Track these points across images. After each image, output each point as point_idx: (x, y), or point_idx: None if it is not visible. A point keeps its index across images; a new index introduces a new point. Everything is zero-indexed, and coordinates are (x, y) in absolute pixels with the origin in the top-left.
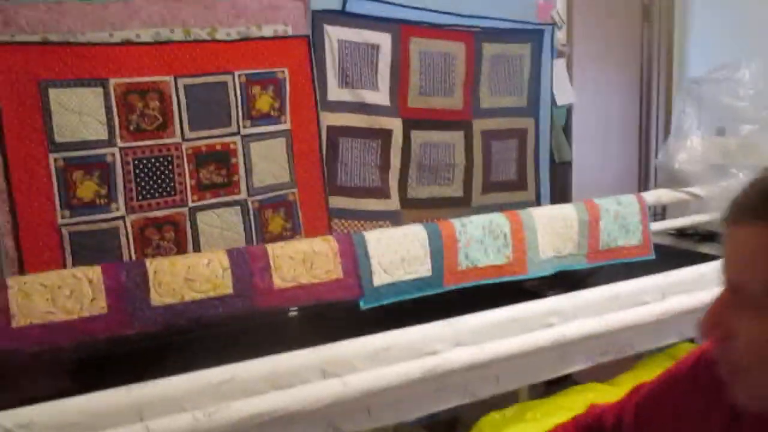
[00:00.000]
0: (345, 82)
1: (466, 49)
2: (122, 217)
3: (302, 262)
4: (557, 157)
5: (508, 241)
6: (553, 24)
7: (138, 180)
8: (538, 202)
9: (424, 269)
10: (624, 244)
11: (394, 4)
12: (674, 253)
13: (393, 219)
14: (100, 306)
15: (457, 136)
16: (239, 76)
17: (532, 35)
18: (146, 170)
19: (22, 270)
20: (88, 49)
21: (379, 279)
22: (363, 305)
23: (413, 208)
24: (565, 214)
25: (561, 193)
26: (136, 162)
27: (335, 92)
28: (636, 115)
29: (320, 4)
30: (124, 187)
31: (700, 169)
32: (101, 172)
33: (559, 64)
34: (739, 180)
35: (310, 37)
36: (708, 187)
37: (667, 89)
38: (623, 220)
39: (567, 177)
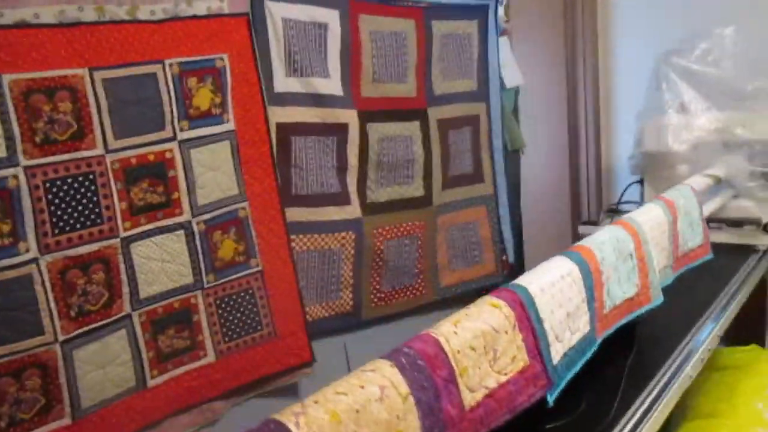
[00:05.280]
0: (293, 69)
1: (417, 28)
2: (35, 260)
3: (484, 351)
4: (509, 145)
5: (634, 263)
6: None
7: (53, 208)
8: (496, 196)
9: (584, 322)
10: (693, 246)
11: None
12: (726, 248)
13: (356, 229)
14: None
15: (413, 128)
16: (171, 65)
17: (478, 11)
18: (62, 195)
19: None
20: None
21: (555, 352)
22: (550, 400)
23: (374, 214)
24: (657, 216)
25: (514, 185)
26: (48, 185)
27: (283, 82)
28: (564, 96)
29: None
30: (35, 219)
31: (693, 148)
32: (2, 202)
33: (504, 42)
34: (747, 156)
35: (250, 14)
36: (721, 167)
37: (594, 63)
38: (689, 216)
39: (517, 166)
